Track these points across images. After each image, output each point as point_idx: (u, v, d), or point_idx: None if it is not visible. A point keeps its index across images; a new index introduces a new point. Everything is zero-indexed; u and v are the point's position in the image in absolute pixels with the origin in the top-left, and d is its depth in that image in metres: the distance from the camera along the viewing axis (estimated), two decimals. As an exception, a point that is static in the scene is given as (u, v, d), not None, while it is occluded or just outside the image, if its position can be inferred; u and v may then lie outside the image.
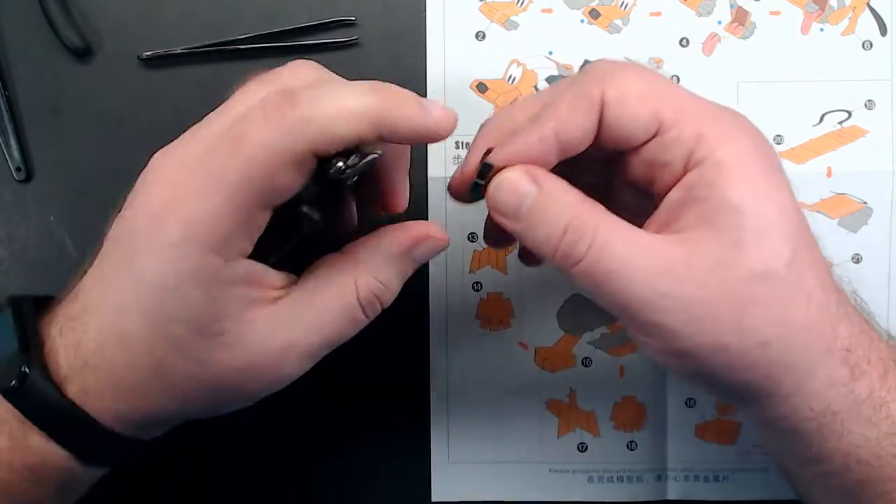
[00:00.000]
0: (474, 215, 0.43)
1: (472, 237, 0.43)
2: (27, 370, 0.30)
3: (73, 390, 0.31)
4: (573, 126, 0.31)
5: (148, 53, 0.43)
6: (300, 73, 0.32)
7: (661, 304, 0.30)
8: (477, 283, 0.44)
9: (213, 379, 0.31)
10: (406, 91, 0.30)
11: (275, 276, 0.31)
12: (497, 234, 0.37)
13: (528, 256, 0.38)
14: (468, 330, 0.44)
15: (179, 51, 0.43)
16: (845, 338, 0.31)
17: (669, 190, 0.31)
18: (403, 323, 0.44)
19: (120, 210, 0.32)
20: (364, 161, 0.30)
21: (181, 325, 0.30)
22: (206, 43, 0.43)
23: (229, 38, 0.43)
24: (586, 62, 0.43)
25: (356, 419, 0.44)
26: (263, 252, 0.31)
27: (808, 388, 0.31)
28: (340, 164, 0.29)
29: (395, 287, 0.33)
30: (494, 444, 0.44)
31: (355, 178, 0.30)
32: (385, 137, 0.30)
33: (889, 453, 0.31)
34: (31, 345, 0.31)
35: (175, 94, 0.43)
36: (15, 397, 0.31)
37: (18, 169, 0.43)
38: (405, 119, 0.30)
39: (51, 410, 0.31)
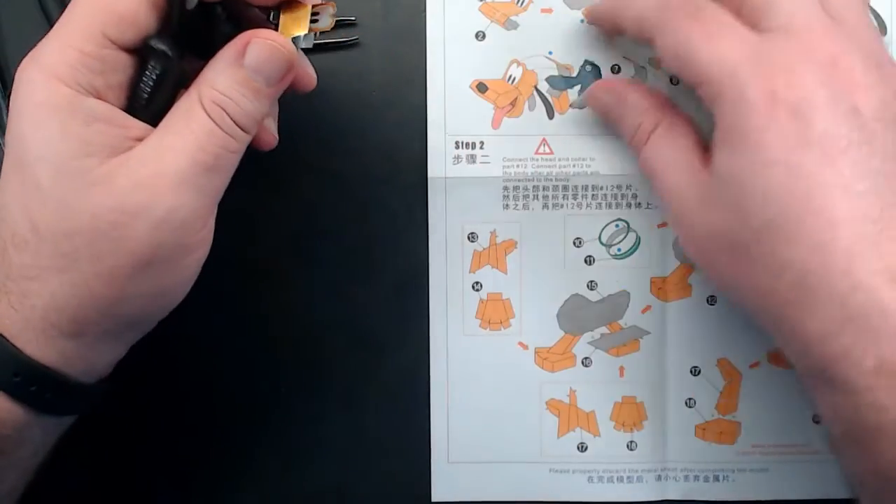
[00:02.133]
0: (473, 214, 0.43)
1: (471, 237, 0.43)
2: None
3: None
4: (626, 28, 0.39)
5: (147, 53, 0.42)
6: None
7: (669, 210, 0.37)
8: (477, 282, 0.44)
9: (88, 228, 0.30)
10: None
11: (137, 125, 0.31)
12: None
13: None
14: (468, 330, 0.44)
15: (179, 51, 0.42)
16: (827, 319, 0.31)
17: None
18: (403, 322, 0.44)
19: None
20: None
21: (41, 164, 0.30)
22: (206, 43, 0.42)
23: (229, 38, 0.43)
24: (586, 62, 0.43)
25: (355, 419, 0.44)
26: (134, 108, 0.32)
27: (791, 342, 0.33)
28: None
29: (238, 97, 0.32)
30: (494, 444, 0.44)
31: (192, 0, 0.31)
32: None
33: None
34: None
35: (175, 94, 0.43)
36: None
37: (18, 169, 0.43)
38: None
39: None
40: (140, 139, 0.31)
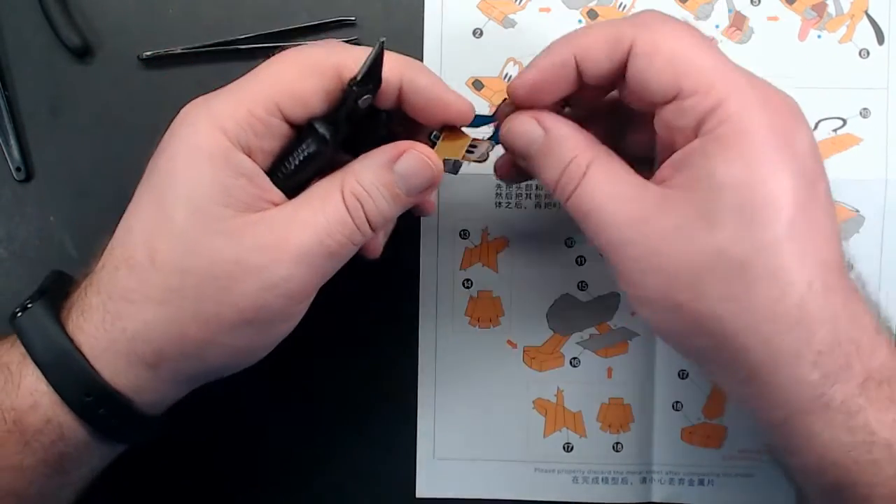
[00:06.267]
0: (466, 212, 0.44)
1: (463, 234, 0.44)
2: (30, 304, 0.33)
3: (73, 317, 0.33)
4: (593, 56, 0.32)
5: (148, 53, 0.43)
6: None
7: (626, 251, 0.32)
8: (467, 280, 0.44)
9: (203, 271, 0.31)
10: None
11: (275, 190, 0.33)
12: (506, 173, 0.39)
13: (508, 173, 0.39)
14: (457, 327, 0.44)
15: (179, 51, 0.43)
16: (822, 342, 0.30)
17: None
18: (392, 318, 0.44)
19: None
20: (374, 87, 0.32)
21: (181, 201, 0.31)
22: (206, 43, 0.43)
23: (229, 38, 0.43)
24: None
25: (343, 413, 0.45)
26: (275, 175, 0.33)
27: (770, 379, 0.31)
28: (353, 81, 0.32)
29: (378, 197, 0.33)
30: (480, 441, 0.45)
31: (367, 99, 0.32)
32: (406, 90, 0.33)
33: (865, 459, 0.30)
34: (48, 287, 0.34)
35: (175, 94, 0.42)
36: (20, 332, 0.33)
37: (18, 169, 0.43)
38: (426, 81, 0.34)
39: (43, 339, 0.32)
40: (274, 204, 0.32)
